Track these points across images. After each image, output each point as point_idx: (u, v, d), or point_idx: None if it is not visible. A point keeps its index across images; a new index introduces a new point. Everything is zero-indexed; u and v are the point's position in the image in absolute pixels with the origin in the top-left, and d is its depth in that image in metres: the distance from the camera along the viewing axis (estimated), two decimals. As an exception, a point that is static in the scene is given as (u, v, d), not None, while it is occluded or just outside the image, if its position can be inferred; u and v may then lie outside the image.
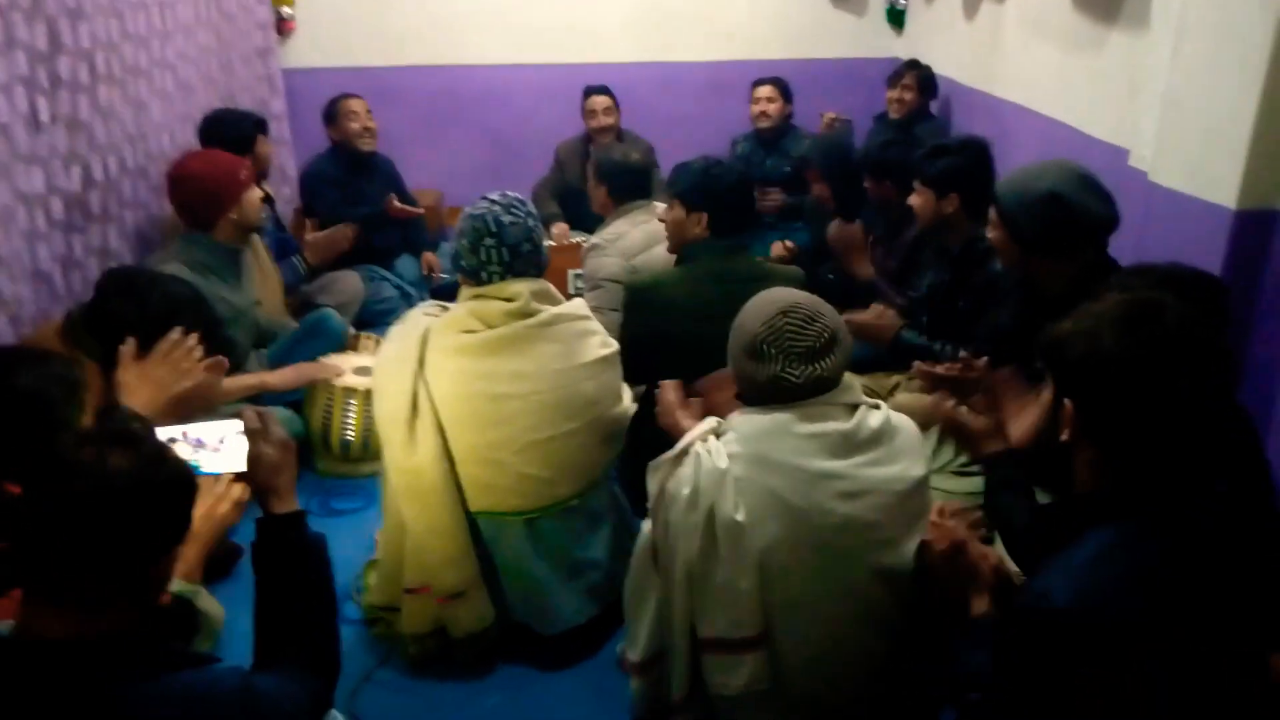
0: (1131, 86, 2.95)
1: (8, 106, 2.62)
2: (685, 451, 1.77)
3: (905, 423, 1.81)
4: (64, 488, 1.11)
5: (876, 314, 2.91)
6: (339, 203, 4.12)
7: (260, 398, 2.82)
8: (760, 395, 1.73)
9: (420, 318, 2.19)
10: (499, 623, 2.20)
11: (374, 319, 4.07)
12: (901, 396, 2.88)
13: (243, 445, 1.46)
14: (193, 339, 2.04)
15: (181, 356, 2.01)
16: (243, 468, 1.46)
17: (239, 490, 1.91)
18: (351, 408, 2.92)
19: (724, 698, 1.75)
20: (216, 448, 1.47)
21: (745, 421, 1.75)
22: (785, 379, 1.69)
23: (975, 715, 1.47)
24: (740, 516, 1.67)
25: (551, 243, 4.20)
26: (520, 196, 2.23)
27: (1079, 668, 1.24)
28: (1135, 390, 1.29)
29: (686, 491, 1.72)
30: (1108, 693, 1.24)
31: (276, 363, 3.13)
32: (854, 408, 1.74)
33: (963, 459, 2.52)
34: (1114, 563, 1.27)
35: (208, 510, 1.86)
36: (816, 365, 1.69)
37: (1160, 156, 2.60)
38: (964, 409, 1.90)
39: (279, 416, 2.80)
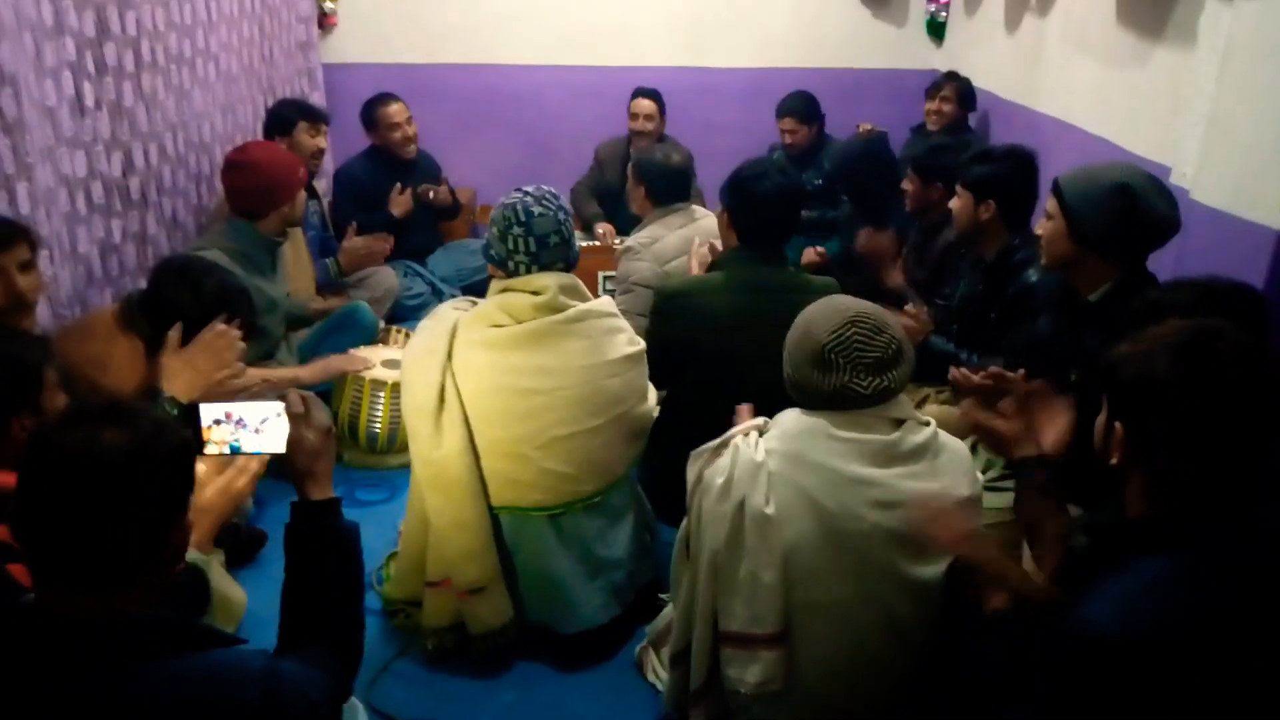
0: (1174, 103, 2.92)
1: (55, 91, 2.66)
2: (726, 443, 1.80)
3: (955, 444, 1.81)
4: (56, 473, 1.10)
5: (912, 314, 2.87)
6: (362, 211, 4.10)
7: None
8: (823, 403, 1.74)
9: (449, 311, 2.20)
10: (518, 621, 2.20)
11: (406, 314, 4.11)
12: (931, 408, 2.86)
13: (284, 428, 1.47)
14: (236, 331, 2.06)
15: (224, 346, 2.03)
16: (282, 450, 1.47)
17: (256, 464, 1.93)
18: (379, 400, 2.94)
19: (737, 693, 1.76)
20: (258, 428, 1.48)
21: (788, 420, 1.78)
22: (852, 389, 1.70)
23: None
24: (770, 510, 1.69)
25: (595, 241, 4.23)
26: (553, 190, 2.23)
27: (1123, 702, 1.21)
28: (1190, 417, 1.27)
29: (720, 480, 1.74)
30: None
31: (307, 353, 3.16)
32: (900, 422, 1.73)
33: (994, 472, 2.50)
34: (1166, 595, 1.24)
35: (225, 484, 1.88)
36: (884, 376, 1.70)
37: (1202, 174, 2.57)
38: (995, 415, 1.89)
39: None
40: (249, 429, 1.48)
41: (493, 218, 2.17)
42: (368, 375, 2.95)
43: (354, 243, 3.69)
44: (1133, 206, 2.05)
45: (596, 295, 3.88)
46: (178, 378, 1.97)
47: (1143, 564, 1.28)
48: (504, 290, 2.16)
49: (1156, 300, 1.82)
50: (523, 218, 2.13)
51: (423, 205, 4.29)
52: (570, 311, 2.12)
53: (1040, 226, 2.30)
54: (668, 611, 2.12)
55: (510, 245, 2.14)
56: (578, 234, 4.48)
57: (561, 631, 2.21)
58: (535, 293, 2.12)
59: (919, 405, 3.01)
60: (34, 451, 1.13)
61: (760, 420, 1.84)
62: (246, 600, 2.30)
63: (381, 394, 2.94)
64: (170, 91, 3.30)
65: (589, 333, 2.15)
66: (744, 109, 5.16)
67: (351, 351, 3.05)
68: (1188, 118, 2.77)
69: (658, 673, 2.13)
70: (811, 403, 1.77)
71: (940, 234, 3.28)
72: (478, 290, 4.36)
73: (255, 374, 2.62)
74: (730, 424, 1.89)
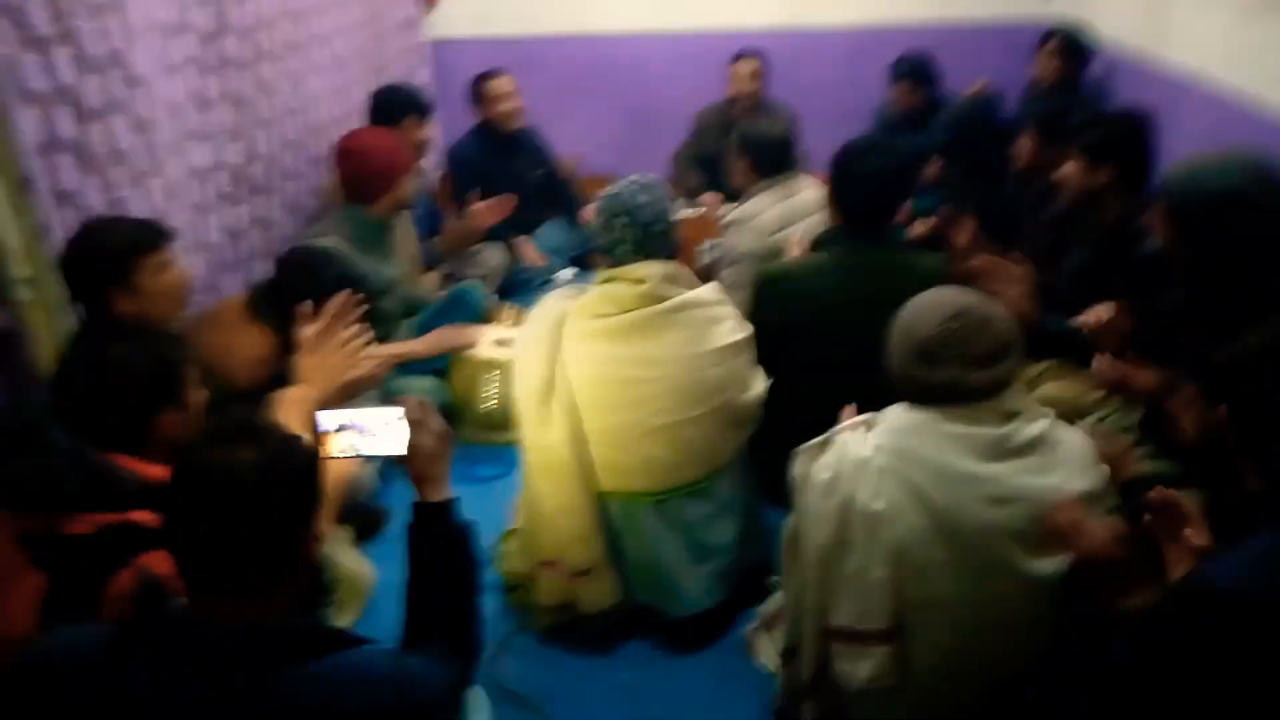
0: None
1: (183, 86, 2.78)
2: (831, 439, 1.79)
3: (1073, 435, 1.76)
4: (197, 491, 1.18)
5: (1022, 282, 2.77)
6: (482, 189, 4.12)
7: (408, 366, 2.95)
8: (933, 398, 1.71)
9: (557, 301, 2.24)
10: (627, 603, 2.25)
11: (516, 288, 4.17)
12: (1047, 388, 2.77)
13: (403, 432, 1.53)
14: (367, 333, 2.13)
15: (357, 347, 2.11)
16: (402, 452, 1.53)
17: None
18: (494, 378, 3.01)
19: (847, 689, 1.76)
20: (378, 433, 1.55)
21: (896, 415, 1.75)
22: (963, 382, 1.67)
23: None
24: (878, 506, 1.67)
25: (698, 210, 4.21)
26: (657, 178, 2.24)
27: (1234, 655, 1.21)
28: None
29: (826, 477, 1.74)
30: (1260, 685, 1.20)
31: (421, 334, 3.26)
32: (1013, 415, 1.70)
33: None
34: None
35: (339, 472, 1.96)
36: (993, 370, 1.67)
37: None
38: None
39: (426, 386, 2.96)
40: (369, 433, 1.55)
41: (599, 207, 2.20)
42: (480, 354, 3.02)
43: (453, 226, 3.72)
44: (1251, 217, 1.96)
45: (694, 266, 3.95)
46: (312, 377, 2.05)
47: (1264, 534, 1.29)
48: (608, 279, 2.19)
49: None
50: (628, 206, 2.15)
51: (527, 180, 4.33)
52: (672, 301, 2.14)
53: (1157, 233, 2.19)
54: (778, 595, 2.14)
55: (617, 234, 2.16)
56: (680, 202, 4.52)
57: (670, 614, 2.25)
58: (638, 281, 2.14)
59: (1036, 381, 2.93)
60: (178, 472, 1.21)
61: (866, 416, 1.82)
62: (375, 575, 2.42)
63: (495, 372, 3.01)
64: (287, 78, 3.42)
65: (690, 322, 2.16)
66: (846, 70, 5.03)
67: (463, 327, 3.12)
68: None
69: (769, 655, 2.16)
70: (919, 398, 1.74)
71: (1053, 200, 3.17)
72: (585, 262, 4.43)
73: (374, 351, 2.72)
74: (837, 420, 1.88)
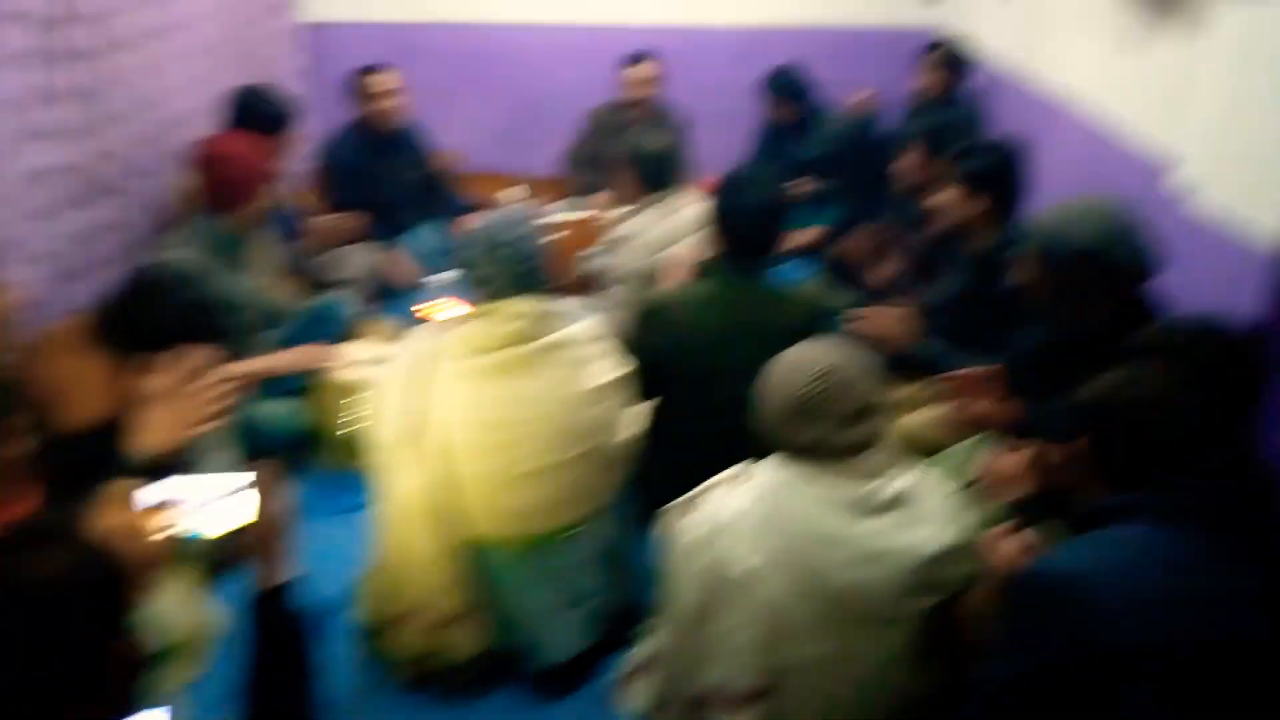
0: (1184, 96, 2.81)
1: (21, 80, 2.56)
2: (699, 497, 1.77)
3: (937, 488, 1.78)
4: None
5: (899, 316, 2.81)
6: (356, 192, 3.99)
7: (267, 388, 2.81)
8: (801, 455, 1.71)
9: (427, 336, 2.15)
10: (494, 650, 2.19)
11: (388, 292, 4.03)
12: (907, 420, 2.81)
13: (247, 503, 1.44)
14: (225, 382, 1.98)
15: (208, 399, 1.96)
16: (244, 523, 1.43)
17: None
18: (356, 401, 2.88)
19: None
20: (219, 504, 1.45)
21: (766, 472, 1.74)
22: (829, 441, 1.67)
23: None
24: (748, 566, 1.66)
25: (586, 213, 4.14)
26: (529, 211, 2.17)
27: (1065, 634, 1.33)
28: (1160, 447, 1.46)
29: (694, 537, 1.72)
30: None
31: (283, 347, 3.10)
32: (879, 472, 1.71)
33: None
34: (1125, 546, 1.39)
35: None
36: (861, 428, 1.68)
37: (1207, 181, 2.49)
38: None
39: (284, 409, 2.81)
40: (210, 505, 1.44)
41: (469, 240, 2.12)
42: (343, 376, 2.88)
43: (319, 223, 3.57)
44: (1103, 267, 2.06)
45: (574, 273, 3.88)
46: (156, 429, 1.90)
47: (1114, 527, 1.44)
48: (481, 315, 2.11)
49: (1149, 340, 1.81)
50: (501, 240, 2.07)
51: (405, 181, 4.17)
52: (546, 339, 2.08)
53: (1020, 271, 2.25)
54: (647, 642, 2.11)
55: (488, 269, 2.08)
56: (570, 202, 4.44)
57: (539, 661, 2.20)
58: (512, 317, 2.07)
59: (903, 407, 2.98)
60: None
61: (737, 470, 1.80)
62: (223, 620, 2.28)
63: (358, 395, 2.88)
64: (143, 69, 3.20)
65: (566, 361, 2.10)
66: (737, 70, 5.00)
67: (328, 346, 2.99)
68: (1197, 115, 2.67)
69: (638, 703, 2.13)
70: (787, 453, 1.74)
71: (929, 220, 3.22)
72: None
73: (230, 368, 2.57)
74: (716, 452, 1.86)
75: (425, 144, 4.34)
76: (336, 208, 3.76)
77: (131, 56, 3.11)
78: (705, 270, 2.47)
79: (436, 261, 4.27)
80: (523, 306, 2.08)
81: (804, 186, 4.41)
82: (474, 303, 2.15)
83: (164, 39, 3.34)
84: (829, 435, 1.67)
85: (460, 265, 2.18)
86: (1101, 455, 1.52)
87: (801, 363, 1.72)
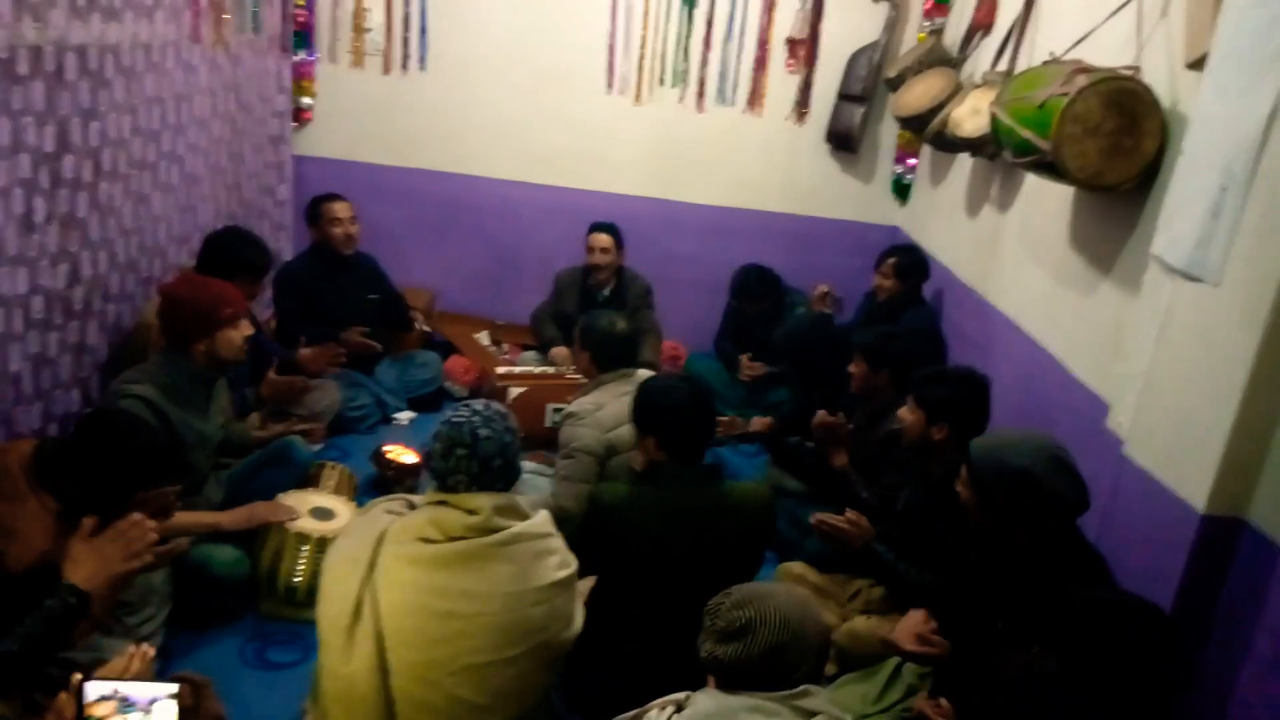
0: (1117, 345, 2.97)
1: (3, 210, 2.60)
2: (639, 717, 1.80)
3: None
4: None
5: (853, 519, 2.88)
6: (304, 311, 4.06)
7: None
8: (733, 681, 1.75)
9: (381, 515, 2.16)
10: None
11: (349, 426, 4.06)
12: (859, 621, 2.86)
13: (171, 712, 1.42)
14: (151, 524, 1.99)
15: (137, 537, 1.97)
16: None
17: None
18: (302, 553, 2.86)
19: None
20: (146, 709, 1.43)
21: (701, 701, 1.76)
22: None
23: None
24: None
25: (550, 369, 4.25)
26: (503, 410, 2.22)
27: None
28: None
29: None
30: None
31: (236, 485, 3.08)
32: (812, 715, 1.72)
33: (907, 703, 2.52)
34: None
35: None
36: (797, 670, 1.71)
37: (1136, 433, 2.60)
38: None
39: (228, 556, 2.78)
40: (136, 710, 1.43)
41: (438, 433, 2.15)
42: (291, 527, 2.88)
43: (274, 381, 3.55)
44: (1037, 492, 2.20)
45: (544, 427, 3.93)
46: (81, 566, 1.90)
47: None
48: (439, 502, 2.12)
49: (1067, 609, 1.94)
50: (468, 440, 2.11)
51: (370, 312, 4.24)
52: (504, 534, 2.09)
53: (959, 488, 2.36)
54: None
55: (453, 464, 2.11)
56: (535, 357, 4.54)
57: None
58: (471, 511, 2.09)
59: (850, 598, 3.03)
60: None
61: (676, 696, 1.81)
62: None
63: (305, 547, 2.87)
64: (128, 197, 3.26)
65: (518, 557, 2.11)
66: (706, 242, 5.25)
67: (280, 497, 2.97)
68: (1128, 367, 2.81)
69: None
70: (725, 681, 1.76)
71: (884, 420, 3.32)
72: (424, 404, 4.34)
73: (177, 521, 2.55)
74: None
75: (381, 273, 4.42)
76: (286, 322, 3.81)
77: (117, 186, 3.16)
78: (648, 475, 2.52)
79: (398, 399, 4.33)
80: (482, 501, 2.10)
81: (756, 371, 4.56)
82: (432, 489, 2.18)
83: (152, 171, 3.41)
84: (760, 662, 1.70)
85: (425, 460, 2.21)
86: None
87: (750, 599, 1.76)
